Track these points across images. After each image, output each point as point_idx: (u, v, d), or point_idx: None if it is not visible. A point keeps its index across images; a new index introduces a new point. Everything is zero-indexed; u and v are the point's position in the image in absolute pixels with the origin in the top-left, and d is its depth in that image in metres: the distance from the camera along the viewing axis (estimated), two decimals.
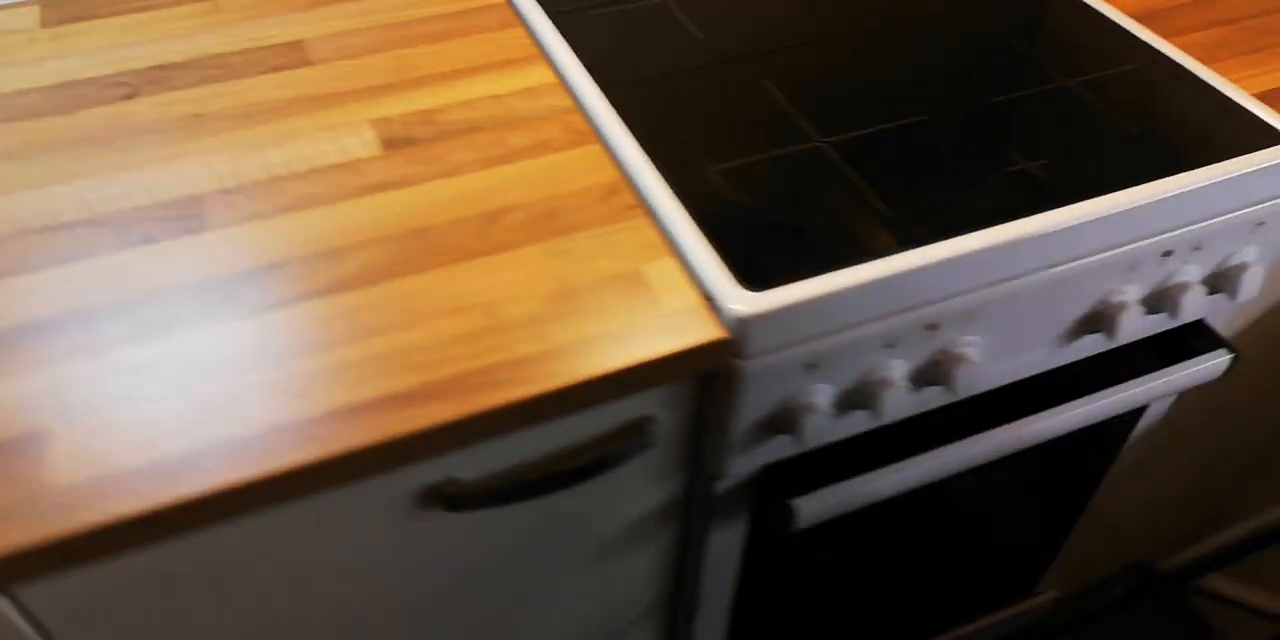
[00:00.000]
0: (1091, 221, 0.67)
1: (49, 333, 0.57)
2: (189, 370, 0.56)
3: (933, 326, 0.67)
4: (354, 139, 0.68)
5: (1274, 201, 0.75)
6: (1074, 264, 0.69)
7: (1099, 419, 0.81)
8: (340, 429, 0.53)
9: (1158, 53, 0.82)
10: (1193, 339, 0.85)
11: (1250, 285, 0.78)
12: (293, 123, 0.69)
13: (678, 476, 0.72)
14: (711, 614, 0.87)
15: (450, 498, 0.61)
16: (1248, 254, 0.78)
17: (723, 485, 0.73)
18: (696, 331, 0.60)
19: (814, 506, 0.72)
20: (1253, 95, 0.79)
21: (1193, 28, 0.86)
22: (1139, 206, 0.68)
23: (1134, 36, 0.83)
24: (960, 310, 0.67)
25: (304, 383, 0.55)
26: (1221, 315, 0.92)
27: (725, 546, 0.79)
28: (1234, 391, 1.04)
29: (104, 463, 0.51)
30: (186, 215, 0.63)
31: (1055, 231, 0.66)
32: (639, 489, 0.71)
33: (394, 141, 0.69)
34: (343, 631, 0.68)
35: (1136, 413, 0.95)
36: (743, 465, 0.70)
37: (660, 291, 0.62)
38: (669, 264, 0.63)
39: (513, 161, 0.68)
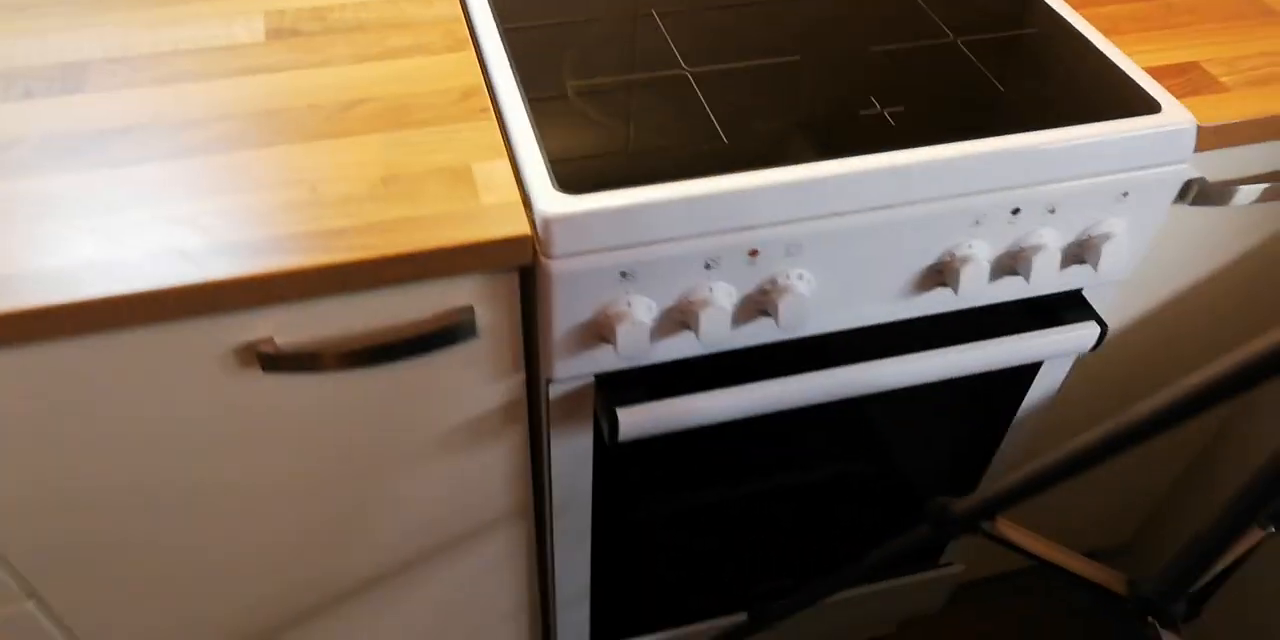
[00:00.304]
0: (918, 166, 0.68)
1: None
2: (26, 206, 0.62)
3: (754, 253, 0.70)
4: (243, 27, 0.74)
5: (1139, 173, 0.75)
6: (908, 209, 0.71)
7: (952, 375, 0.82)
8: (159, 272, 0.59)
9: (1060, 19, 0.82)
10: (1066, 310, 0.85)
11: (1115, 258, 0.79)
12: (192, 7, 0.75)
13: (515, 377, 0.76)
14: (572, 525, 0.91)
15: (265, 356, 0.66)
16: (1113, 226, 0.78)
17: (559, 389, 0.77)
18: (503, 226, 0.63)
19: (636, 418, 0.75)
20: (1144, 68, 0.79)
21: (1110, 0, 0.86)
22: (972, 157, 0.69)
23: (1042, 2, 0.84)
24: (782, 240, 0.70)
25: (128, 230, 0.61)
26: (1124, 304, 0.91)
27: (572, 454, 0.83)
28: (1126, 376, 1.03)
29: None
30: (68, 77, 0.69)
31: (875, 171, 0.68)
32: (475, 384, 0.75)
33: (280, 32, 0.74)
34: (188, 503, 0.74)
35: (1020, 386, 0.95)
36: (572, 369, 0.74)
37: (484, 188, 0.66)
38: (500, 165, 0.67)
39: (385, 59, 0.73)
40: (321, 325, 0.66)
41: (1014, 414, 0.99)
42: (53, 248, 0.60)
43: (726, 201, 0.66)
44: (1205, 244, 0.90)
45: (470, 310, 0.69)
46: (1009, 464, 1.06)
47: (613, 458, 0.85)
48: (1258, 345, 0.49)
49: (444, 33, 0.75)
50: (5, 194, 0.62)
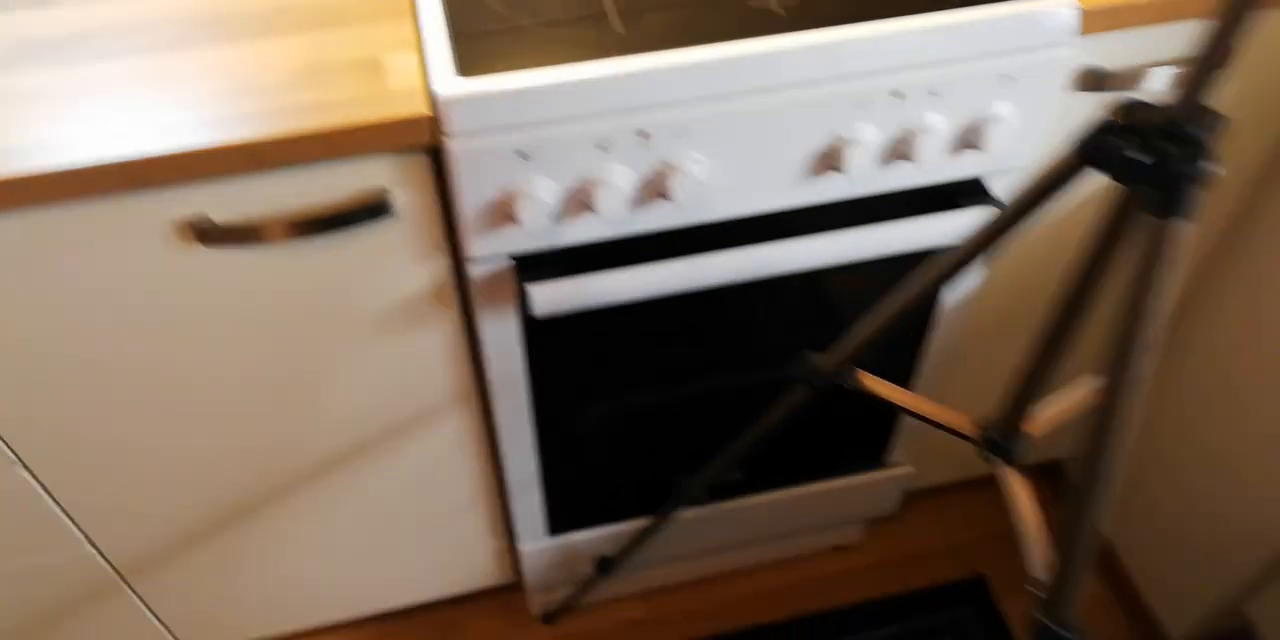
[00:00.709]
0: (795, 49, 0.74)
1: None
2: None
3: (644, 134, 0.76)
4: None
5: (1022, 56, 0.80)
6: (792, 92, 0.77)
7: (851, 258, 0.87)
8: (99, 150, 0.67)
9: None
10: (966, 196, 0.90)
11: (1007, 143, 0.83)
12: None
13: (437, 259, 0.83)
14: (513, 410, 0.99)
15: (201, 230, 0.74)
16: (1001, 110, 0.83)
17: (481, 270, 0.84)
18: (404, 107, 0.70)
19: (548, 294, 0.82)
20: None
21: None
22: (847, 40, 0.75)
23: None
24: (672, 123, 0.76)
25: (76, 118, 0.69)
26: None
27: (502, 336, 0.90)
28: (1046, 269, 1.08)
29: None
30: None
31: (753, 55, 0.73)
32: (401, 265, 0.82)
33: None
34: (142, 381, 0.83)
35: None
36: (487, 248, 0.81)
37: (393, 75, 0.73)
38: (411, 57, 0.74)
39: None
40: (252, 204, 0.74)
41: (935, 309, 1.04)
42: (10, 132, 0.68)
43: (614, 84, 0.72)
44: None
45: (384, 191, 0.76)
46: (938, 363, 1.12)
47: (541, 341, 0.92)
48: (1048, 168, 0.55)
49: None
50: None
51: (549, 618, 1.40)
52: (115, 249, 0.74)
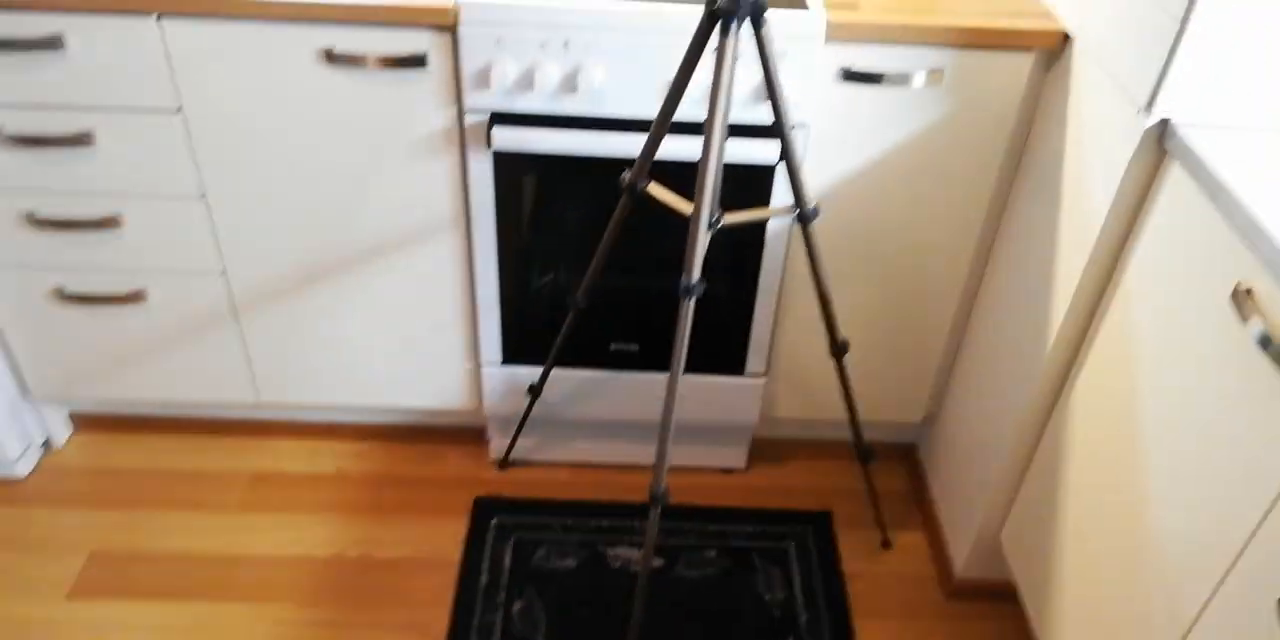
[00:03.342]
0: (644, 13, 1.36)
1: None
2: None
3: (567, 43, 1.38)
4: None
5: (794, 44, 1.37)
6: (656, 38, 1.37)
7: (690, 158, 1.44)
8: None
9: None
10: (762, 132, 1.45)
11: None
12: None
13: (452, 107, 1.47)
14: (484, 236, 1.58)
15: (329, 54, 1.41)
16: (780, 77, 1.39)
17: (471, 119, 1.46)
18: (441, 3, 1.36)
19: (504, 136, 1.44)
20: None
21: None
22: (691, 12, 1.36)
23: None
24: (584, 40, 1.38)
25: None
26: (832, 167, 1.50)
27: (480, 171, 1.51)
28: (849, 231, 1.58)
29: None
30: None
31: (643, 12, 1.36)
32: (427, 105, 1.46)
33: None
34: (282, 151, 1.49)
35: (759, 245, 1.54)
36: (476, 103, 1.44)
37: None
38: None
39: None
40: (358, 43, 1.41)
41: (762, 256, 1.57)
42: None
43: (551, 9, 1.36)
44: (890, 120, 1.47)
45: (425, 52, 1.41)
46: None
47: (502, 177, 1.52)
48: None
49: None
50: None
51: (502, 464, 1.91)
52: (278, 55, 1.42)
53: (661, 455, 1.28)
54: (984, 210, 1.57)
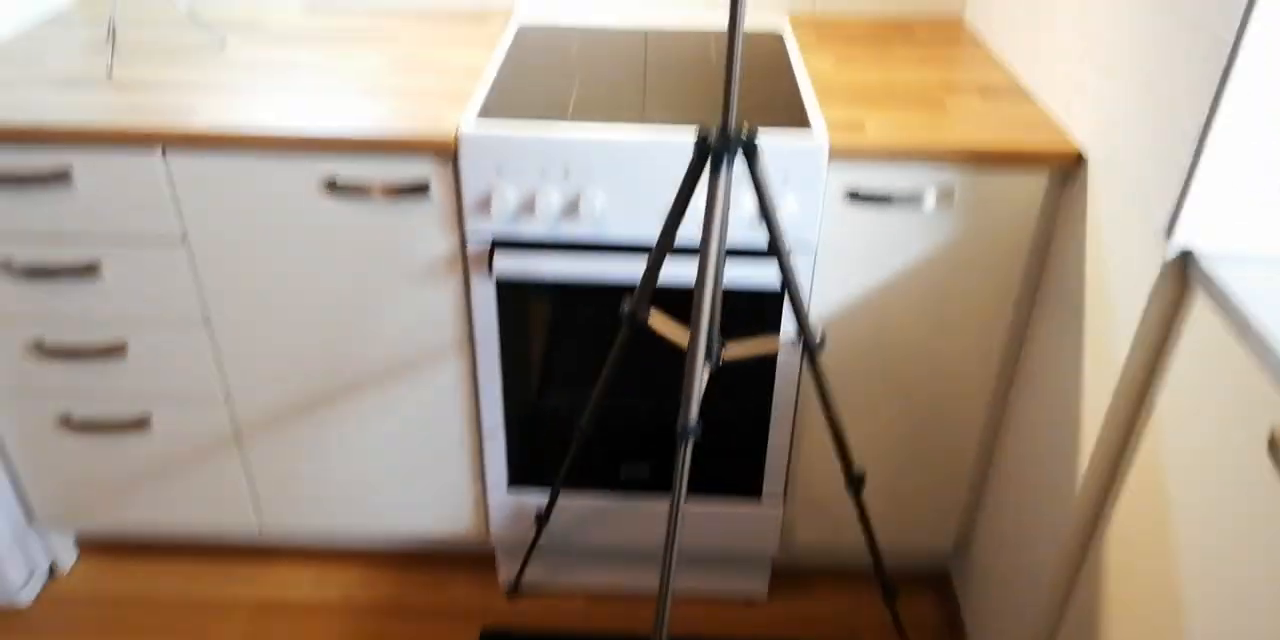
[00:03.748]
0: (659, 142, 1.34)
1: None
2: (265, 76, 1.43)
3: (567, 171, 1.36)
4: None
5: (795, 162, 1.34)
6: (660, 161, 1.35)
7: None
8: (283, 123, 1.37)
9: (797, 90, 1.45)
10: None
11: (792, 223, 1.36)
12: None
13: (454, 234, 1.45)
14: (487, 360, 1.54)
15: (331, 184, 1.41)
16: (786, 199, 1.36)
17: (473, 246, 1.44)
18: (445, 134, 1.36)
19: (505, 263, 1.41)
20: (825, 117, 1.40)
21: (850, 99, 1.47)
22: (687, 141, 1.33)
23: (795, 84, 1.47)
24: (585, 166, 1.36)
25: (277, 101, 1.40)
26: (841, 291, 1.45)
27: (483, 297, 1.48)
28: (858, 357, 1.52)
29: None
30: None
31: (643, 141, 1.34)
32: (429, 233, 1.45)
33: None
34: (267, 289, 1.48)
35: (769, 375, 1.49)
36: (478, 229, 1.42)
37: (447, 118, 1.39)
38: (460, 110, 1.41)
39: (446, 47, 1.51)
40: (360, 173, 1.40)
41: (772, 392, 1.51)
42: (240, 110, 1.40)
43: (550, 140, 1.35)
44: (901, 241, 1.43)
45: (427, 179, 1.40)
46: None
47: (506, 303, 1.49)
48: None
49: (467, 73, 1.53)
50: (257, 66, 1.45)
51: (512, 593, 1.83)
52: (281, 186, 1.42)
53: (661, 614, 1.19)
54: (1004, 332, 1.51)
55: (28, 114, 1.38)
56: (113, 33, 1.56)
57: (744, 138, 1.06)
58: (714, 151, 1.07)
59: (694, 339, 1.10)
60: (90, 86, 1.47)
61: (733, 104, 1.04)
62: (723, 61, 1.61)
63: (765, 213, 1.12)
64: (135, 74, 1.52)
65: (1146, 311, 1.14)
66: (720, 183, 1.07)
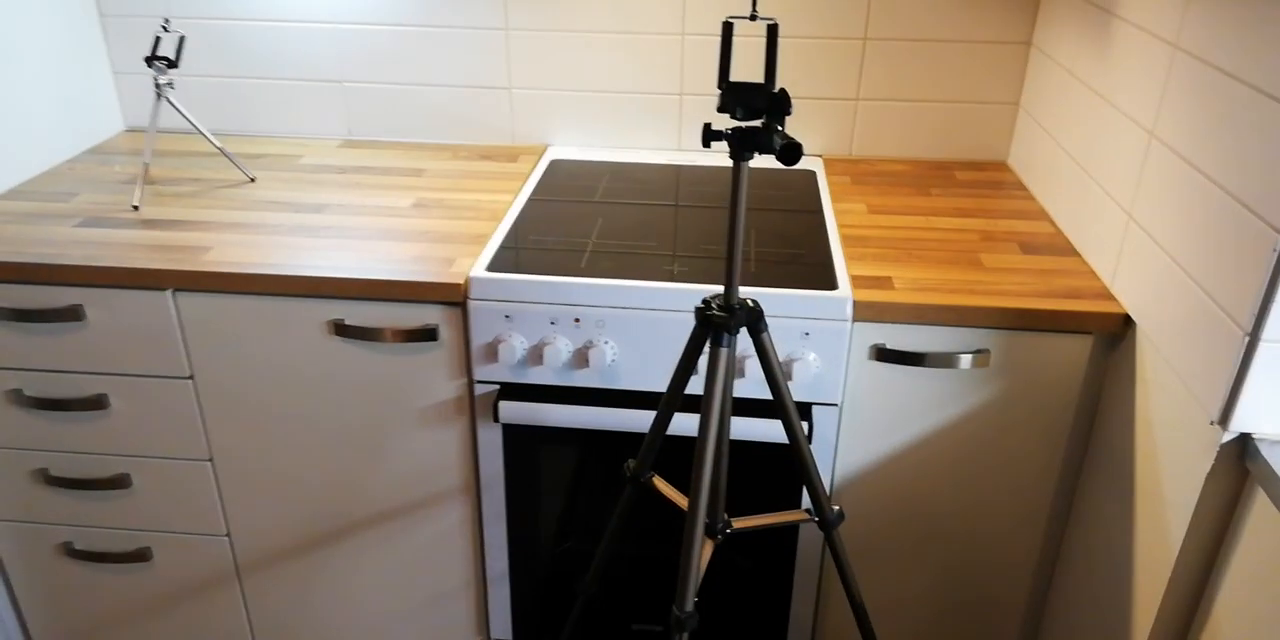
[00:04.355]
0: (675, 292, 1.28)
1: None
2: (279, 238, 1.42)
3: (577, 320, 1.31)
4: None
5: (818, 322, 1.27)
6: (671, 316, 1.29)
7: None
8: (290, 263, 1.34)
9: (826, 245, 1.38)
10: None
11: (809, 377, 1.28)
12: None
13: (462, 378, 1.40)
14: (493, 504, 1.47)
15: (339, 327, 1.37)
16: (806, 356, 1.28)
17: (480, 390, 1.39)
18: (454, 279, 1.32)
19: (511, 409, 1.35)
20: (851, 275, 1.32)
21: (872, 245, 1.40)
22: (706, 292, 1.27)
23: (825, 238, 1.41)
24: (596, 317, 1.30)
25: (290, 251, 1.38)
26: (871, 445, 1.36)
27: (490, 441, 1.42)
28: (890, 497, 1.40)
29: None
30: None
31: (647, 288, 1.28)
32: (441, 377, 1.40)
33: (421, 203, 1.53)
34: (265, 422, 1.44)
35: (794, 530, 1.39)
36: (488, 375, 1.36)
37: (457, 265, 1.35)
38: (472, 258, 1.37)
39: (456, 219, 1.48)
40: (369, 317, 1.37)
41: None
42: (266, 256, 1.38)
43: (561, 289, 1.30)
44: (935, 401, 1.33)
45: (436, 325, 1.36)
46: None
47: (512, 450, 1.42)
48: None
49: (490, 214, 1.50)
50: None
51: None
52: (290, 327, 1.39)
53: None
54: (1049, 498, 1.39)
55: (45, 251, 1.38)
56: (145, 168, 1.57)
57: (749, 311, 1.00)
58: (715, 327, 1.00)
59: (691, 522, 1.01)
60: (113, 223, 1.47)
61: (734, 278, 0.98)
62: (758, 200, 1.56)
63: (774, 390, 1.04)
64: (160, 211, 1.52)
65: (1202, 496, 1.03)
66: (720, 359, 1.00)
